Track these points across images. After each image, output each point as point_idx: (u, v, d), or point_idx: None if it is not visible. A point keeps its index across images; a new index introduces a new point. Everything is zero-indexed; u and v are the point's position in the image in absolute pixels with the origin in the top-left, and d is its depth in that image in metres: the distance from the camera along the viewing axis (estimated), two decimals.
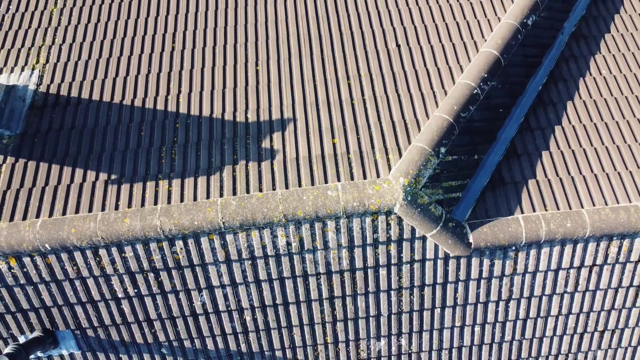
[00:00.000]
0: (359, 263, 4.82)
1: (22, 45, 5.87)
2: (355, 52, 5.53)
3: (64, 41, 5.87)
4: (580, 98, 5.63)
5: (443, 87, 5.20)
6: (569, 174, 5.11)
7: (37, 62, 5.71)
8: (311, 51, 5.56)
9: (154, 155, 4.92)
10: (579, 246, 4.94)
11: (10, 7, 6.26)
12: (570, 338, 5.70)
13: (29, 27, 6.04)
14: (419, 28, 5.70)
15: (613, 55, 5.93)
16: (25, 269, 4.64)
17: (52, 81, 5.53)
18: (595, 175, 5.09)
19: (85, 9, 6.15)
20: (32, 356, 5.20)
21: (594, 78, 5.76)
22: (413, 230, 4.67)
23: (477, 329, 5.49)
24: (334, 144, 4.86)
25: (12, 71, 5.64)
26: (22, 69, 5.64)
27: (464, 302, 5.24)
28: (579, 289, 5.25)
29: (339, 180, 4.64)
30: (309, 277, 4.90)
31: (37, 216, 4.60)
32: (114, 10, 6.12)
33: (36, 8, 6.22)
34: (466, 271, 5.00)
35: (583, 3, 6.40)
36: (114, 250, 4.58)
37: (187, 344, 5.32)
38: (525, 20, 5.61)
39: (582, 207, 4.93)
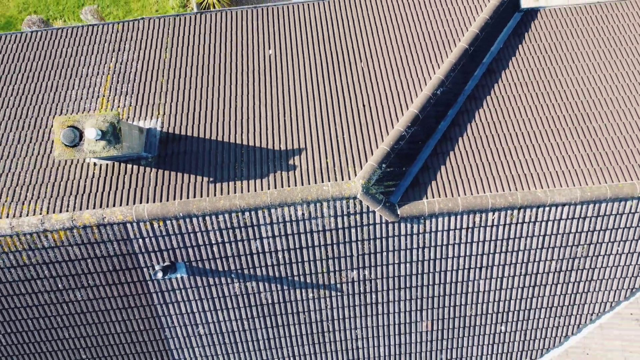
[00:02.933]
0: (340, 225, 9.13)
1: (148, 103, 10.19)
2: (339, 110, 9.85)
3: (172, 101, 10.19)
4: (467, 136, 9.93)
5: (387, 132, 9.52)
6: (454, 178, 9.42)
7: (159, 114, 10.03)
8: (315, 110, 9.88)
9: (232, 167, 9.23)
10: (458, 217, 9.24)
11: (136, 77, 10.58)
12: (459, 273, 9.99)
13: (150, 91, 10.36)
14: (377, 95, 10.03)
15: (489, 109, 10.24)
16: (166, 227, 8.95)
17: (169, 125, 9.85)
18: (468, 180, 9.40)
19: (182, 81, 10.47)
20: (159, 276, 9.46)
21: (476, 124, 10.07)
22: (368, 207, 8.96)
23: (408, 265, 9.79)
24: (327, 163, 9.17)
25: (145, 119, 9.97)
26: (151, 118, 9.96)
27: (398, 249, 9.53)
28: (462, 242, 9.55)
29: (329, 181, 8.95)
30: (314, 233, 9.20)
31: (174, 199, 8.92)
32: (199, 80, 10.44)
33: (152, 79, 10.54)
34: (398, 231, 9.29)
35: (478, 74, 10.71)
36: (213, 217, 8.88)
37: (245, 272, 9.60)
38: (435, 91, 9.92)
39: (459, 195, 9.24)
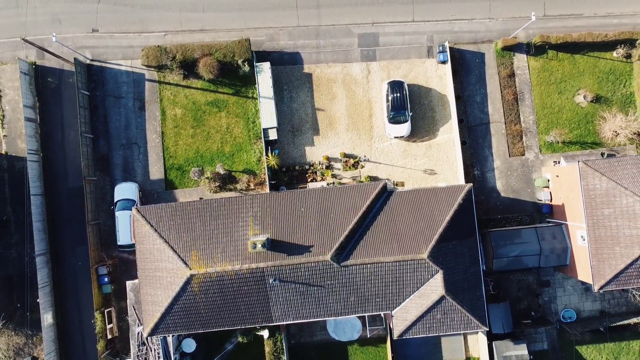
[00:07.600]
0: (321, 268, 31.54)
1: (264, 228, 32.72)
2: (322, 225, 32.33)
3: (271, 226, 32.73)
4: (366, 238, 32.27)
5: (342, 231, 31.94)
6: (361, 252, 31.77)
7: (268, 231, 32.58)
8: (314, 228, 32.36)
9: (287, 248, 31.76)
10: (360, 266, 31.58)
11: (259, 218, 33.17)
12: None
13: (265, 223, 32.93)
14: (335, 223, 32.53)
15: (374, 229, 32.57)
16: (272, 269, 31.45)
17: (272, 236, 32.39)
18: (366, 252, 31.78)
19: (274, 220, 33.03)
20: (271, 281, 31.76)
21: (368, 234, 32.40)
22: (331, 263, 31.35)
23: (343, 279, 32.10)
24: (315, 248, 31.68)
25: (264, 234, 32.50)
26: (266, 234, 32.50)
27: (340, 275, 31.87)
28: (360, 272, 31.90)
29: (317, 256, 31.40)
30: (314, 270, 31.64)
31: None
32: (280, 218, 32.98)
33: (264, 218, 33.16)
34: (340, 269, 31.62)
35: (370, 215, 33.12)
36: (287, 267, 31.36)
37: (294, 281, 31.99)
38: (355, 225, 32.32)
39: (358, 258, 31.64)
